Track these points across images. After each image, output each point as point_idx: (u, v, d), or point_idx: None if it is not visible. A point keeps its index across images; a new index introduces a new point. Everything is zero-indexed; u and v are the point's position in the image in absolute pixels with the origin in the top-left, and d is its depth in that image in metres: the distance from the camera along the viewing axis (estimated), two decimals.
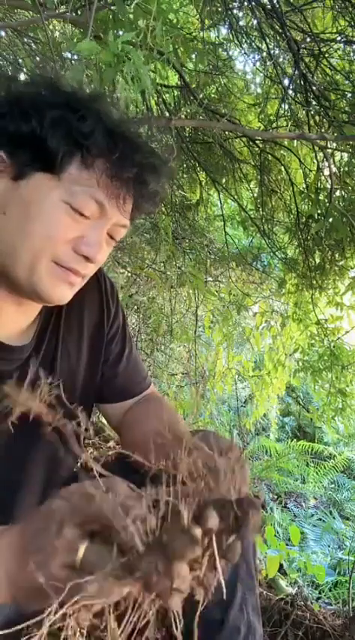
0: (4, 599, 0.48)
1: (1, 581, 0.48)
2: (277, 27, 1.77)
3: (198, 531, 0.41)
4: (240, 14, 1.98)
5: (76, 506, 0.45)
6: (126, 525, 0.41)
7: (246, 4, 1.83)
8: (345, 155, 2.17)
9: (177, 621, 0.41)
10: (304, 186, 2.35)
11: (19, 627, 0.39)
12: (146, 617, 0.41)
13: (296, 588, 1.64)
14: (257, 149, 2.37)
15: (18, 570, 0.47)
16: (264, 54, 1.98)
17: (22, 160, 0.62)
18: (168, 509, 0.42)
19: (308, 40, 1.90)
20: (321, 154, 2.10)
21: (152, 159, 0.68)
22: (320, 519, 3.80)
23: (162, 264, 2.69)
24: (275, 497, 4.16)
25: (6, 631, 0.39)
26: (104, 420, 2.61)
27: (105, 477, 0.46)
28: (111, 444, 2.44)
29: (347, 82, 2.02)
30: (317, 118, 2.03)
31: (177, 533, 0.40)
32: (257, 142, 2.30)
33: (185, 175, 2.67)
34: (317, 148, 2.10)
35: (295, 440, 4.68)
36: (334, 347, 2.34)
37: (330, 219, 1.99)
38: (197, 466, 0.47)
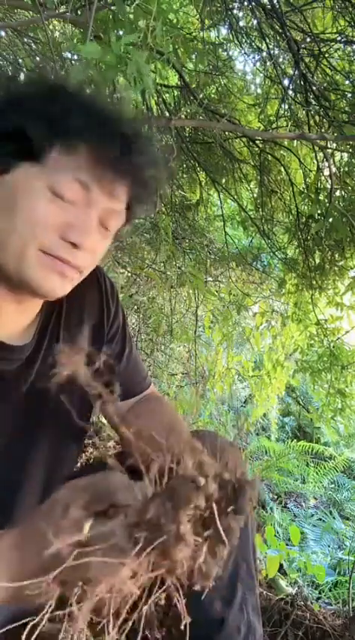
0: (6, 598, 0.48)
1: (5, 571, 0.48)
2: (277, 27, 1.77)
3: (201, 479, 0.42)
4: (240, 14, 1.98)
5: (80, 490, 0.46)
6: (134, 494, 0.43)
7: (246, 4, 1.83)
8: (345, 155, 2.16)
9: (180, 594, 0.41)
10: (304, 186, 2.35)
11: (20, 623, 0.39)
12: (149, 598, 0.42)
13: (296, 588, 1.64)
14: (257, 149, 2.37)
15: (21, 569, 0.47)
16: (264, 54, 1.99)
17: (6, 152, 0.63)
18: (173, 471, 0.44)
19: (308, 40, 1.90)
20: (321, 154, 2.10)
21: (138, 141, 0.66)
22: (320, 519, 3.79)
23: (162, 264, 2.69)
24: (275, 497, 4.16)
25: (9, 627, 0.39)
26: (104, 420, 2.60)
27: (106, 470, 0.48)
28: (111, 443, 2.44)
29: (347, 82, 2.02)
30: (317, 118, 2.03)
31: (182, 481, 0.43)
32: (257, 142, 2.30)
33: (185, 175, 2.66)
34: (317, 148, 2.10)
35: (295, 440, 4.67)
36: (333, 347, 2.34)
37: (330, 220, 1.98)
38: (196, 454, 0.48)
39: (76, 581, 0.40)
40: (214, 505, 0.43)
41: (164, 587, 0.43)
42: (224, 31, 2.11)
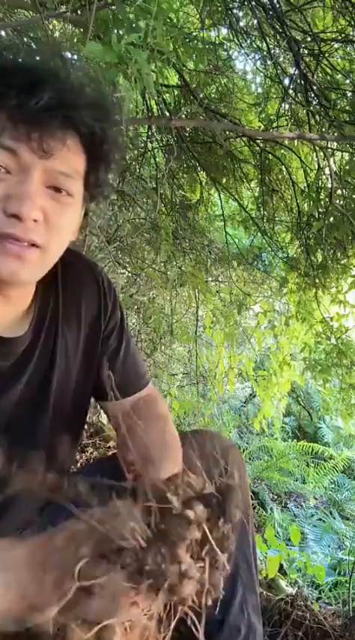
0: (8, 608, 0.48)
1: (10, 590, 0.48)
2: (277, 26, 1.77)
3: (190, 513, 0.43)
4: (240, 14, 1.98)
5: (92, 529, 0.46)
6: (126, 530, 0.43)
7: (246, 3, 1.83)
8: (346, 154, 2.17)
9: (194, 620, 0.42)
10: (305, 185, 2.35)
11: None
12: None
13: (297, 588, 1.64)
14: (257, 149, 2.37)
15: (30, 582, 0.48)
16: (264, 53, 1.98)
17: None
18: (159, 503, 0.45)
19: (308, 39, 1.89)
20: (322, 154, 2.10)
21: (73, 92, 0.61)
22: (320, 519, 3.79)
23: (162, 264, 2.69)
24: (276, 497, 4.16)
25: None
26: (104, 420, 2.61)
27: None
28: (111, 444, 2.44)
29: (347, 81, 2.02)
30: (317, 117, 2.03)
31: (172, 520, 0.43)
32: (257, 141, 2.30)
33: (185, 175, 2.66)
34: (317, 148, 2.10)
35: (295, 440, 4.67)
36: (342, 344, 2.34)
37: (331, 218, 1.99)
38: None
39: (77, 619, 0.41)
40: (206, 527, 0.43)
41: (177, 616, 0.44)
42: (224, 30, 2.11)
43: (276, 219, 2.67)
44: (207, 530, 0.43)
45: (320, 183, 2.19)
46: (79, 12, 1.27)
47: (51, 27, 1.94)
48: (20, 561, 0.49)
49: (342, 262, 2.27)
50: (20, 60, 0.64)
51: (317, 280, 2.32)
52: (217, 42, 2.05)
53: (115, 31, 1.10)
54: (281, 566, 1.88)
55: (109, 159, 0.69)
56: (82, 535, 0.46)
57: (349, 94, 1.97)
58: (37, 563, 0.49)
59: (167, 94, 2.16)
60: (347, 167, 2.12)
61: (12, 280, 0.63)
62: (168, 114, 2.06)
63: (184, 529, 0.42)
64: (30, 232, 0.61)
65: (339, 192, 2.09)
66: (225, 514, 0.45)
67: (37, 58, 0.68)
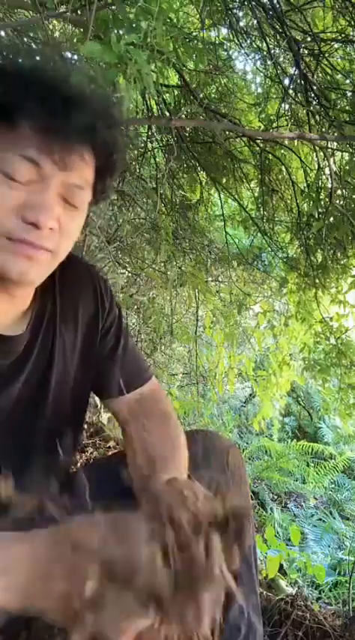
0: (11, 604, 0.48)
1: (9, 591, 0.48)
2: (277, 26, 1.77)
3: (216, 569, 0.44)
4: (240, 14, 1.98)
5: (105, 542, 0.46)
6: (155, 574, 0.43)
7: (246, 3, 1.83)
8: (346, 154, 2.17)
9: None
10: (305, 185, 2.35)
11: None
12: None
13: (297, 588, 1.64)
14: (257, 148, 2.37)
15: (31, 586, 0.48)
16: (264, 53, 1.98)
17: None
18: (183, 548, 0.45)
19: (308, 39, 1.89)
20: (322, 154, 2.10)
21: (89, 107, 0.62)
22: (320, 519, 3.79)
23: (162, 264, 2.69)
24: (275, 497, 4.16)
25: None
26: (104, 420, 2.61)
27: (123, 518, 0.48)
28: (111, 444, 2.44)
29: (347, 81, 2.02)
30: (317, 117, 2.03)
31: (195, 564, 0.43)
32: (257, 141, 2.30)
33: (185, 175, 2.66)
34: (317, 148, 2.10)
35: (295, 440, 4.67)
36: (341, 344, 2.34)
37: (331, 219, 1.99)
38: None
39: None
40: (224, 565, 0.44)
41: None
42: (224, 30, 2.11)
43: (276, 219, 2.67)
44: (227, 576, 0.44)
45: (320, 183, 2.19)
46: (79, 12, 1.27)
47: (51, 27, 1.94)
48: (21, 563, 0.49)
49: (342, 262, 2.27)
50: (36, 67, 0.65)
51: (317, 280, 2.32)
52: (217, 42, 2.05)
53: (115, 31, 1.10)
54: (281, 566, 1.88)
55: (116, 167, 0.72)
56: (91, 546, 0.46)
57: (349, 94, 1.97)
58: (40, 567, 0.48)
59: (167, 94, 2.16)
60: (347, 167, 2.12)
61: (20, 280, 0.65)
62: (168, 114, 2.06)
63: (207, 573, 0.42)
64: (44, 240, 0.63)
65: (339, 192, 2.09)
66: (240, 540, 0.45)
67: (51, 64, 0.69)
